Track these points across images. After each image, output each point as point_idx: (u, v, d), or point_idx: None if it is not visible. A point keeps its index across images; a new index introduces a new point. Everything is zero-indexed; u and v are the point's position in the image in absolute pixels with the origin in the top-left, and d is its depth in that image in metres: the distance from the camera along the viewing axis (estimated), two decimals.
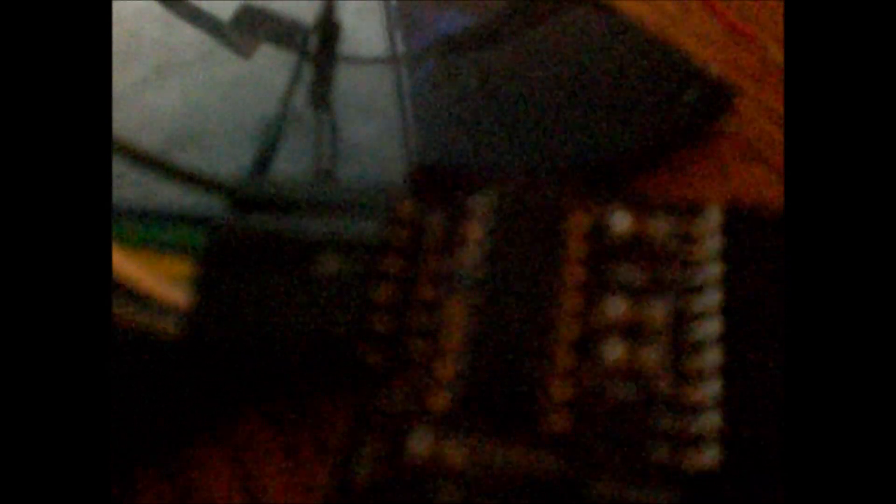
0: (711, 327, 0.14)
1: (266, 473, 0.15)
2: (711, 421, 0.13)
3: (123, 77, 0.20)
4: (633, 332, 0.14)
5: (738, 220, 0.15)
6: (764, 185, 0.19)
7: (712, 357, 0.13)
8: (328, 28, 0.21)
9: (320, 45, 0.20)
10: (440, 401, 0.13)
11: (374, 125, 0.19)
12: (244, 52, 0.20)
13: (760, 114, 0.20)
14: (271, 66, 0.20)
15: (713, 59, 0.21)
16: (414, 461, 0.13)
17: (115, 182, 0.16)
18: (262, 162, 0.18)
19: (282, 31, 0.20)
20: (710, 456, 0.13)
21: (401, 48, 0.20)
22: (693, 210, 0.15)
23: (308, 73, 0.20)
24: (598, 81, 0.19)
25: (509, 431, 0.13)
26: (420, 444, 0.13)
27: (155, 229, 0.15)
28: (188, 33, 0.21)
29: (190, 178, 0.16)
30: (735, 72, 0.21)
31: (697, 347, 0.14)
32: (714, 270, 0.14)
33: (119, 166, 0.16)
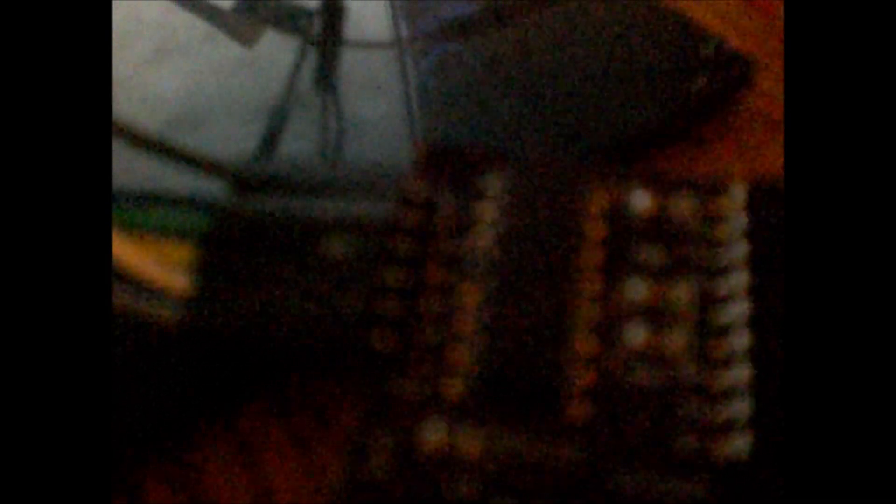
0: (739, 309, 0.13)
1: (274, 465, 0.14)
2: (741, 407, 0.12)
3: (124, 59, 0.20)
4: (656, 315, 0.14)
5: (764, 198, 0.15)
6: None
7: (741, 341, 0.13)
8: (333, 10, 0.20)
9: (325, 27, 0.20)
10: (454, 389, 0.13)
11: (381, 107, 0.19)
12: (247, 36, 0.20)
13: (780, 87, 0.20)
14: (275, 48, 0.20)
15: (731, 32, 0.21)
16: (427, 452, 0.12)
17: (116, 166, 0.16)
18: (267, 144, 0.18)
19: (286, 14, 0.20)
20: (739, 445, 0.12)
21: (406, 31, 0.20)
22: (716, 187, 0.15)
23: (313, 55, 0.20)
24: (613, 57, 0.19)
25: (527, 420, 0.13)
26: (434, 434, 0.13)
27: (156, 214, 0.15)
28: (190, 15, 0.20)
29: (192, 161, 0.16)
30: (753, 45, 0.21)
31: (725, 331, 0.13)
32: (740, 250, 0.14)
33: (119, 149, 0.16)
